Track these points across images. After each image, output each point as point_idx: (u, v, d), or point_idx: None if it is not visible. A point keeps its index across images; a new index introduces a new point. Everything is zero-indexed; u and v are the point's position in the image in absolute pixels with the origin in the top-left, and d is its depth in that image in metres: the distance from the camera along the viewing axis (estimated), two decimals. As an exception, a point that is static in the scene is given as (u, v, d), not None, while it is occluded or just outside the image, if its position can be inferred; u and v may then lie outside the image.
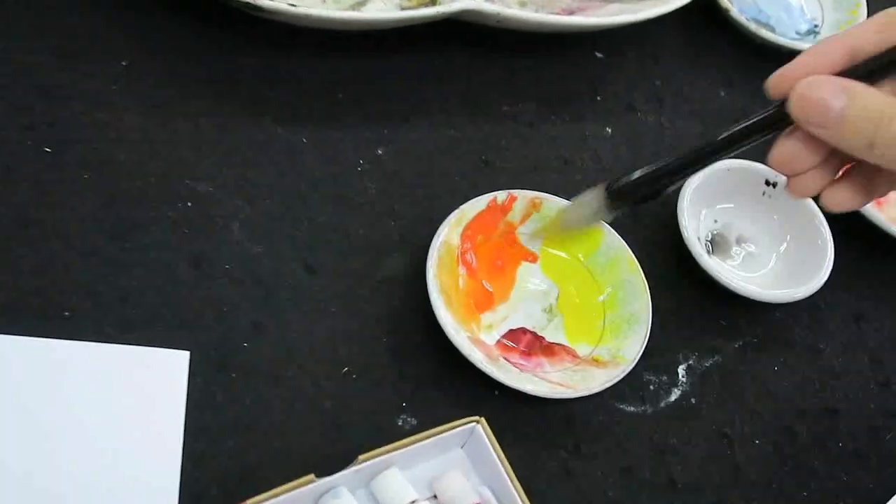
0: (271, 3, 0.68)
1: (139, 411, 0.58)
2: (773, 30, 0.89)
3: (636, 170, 0.64)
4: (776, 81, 0.55)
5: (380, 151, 0.72)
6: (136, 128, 0.68)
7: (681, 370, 0.70)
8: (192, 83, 0.71)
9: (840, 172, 0.57)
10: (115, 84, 0.69)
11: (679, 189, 0.72)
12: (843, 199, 0.58)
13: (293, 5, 0.68)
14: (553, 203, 0.70)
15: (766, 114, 0.57)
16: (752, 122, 0.58)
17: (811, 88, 0.52)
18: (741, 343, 0.73)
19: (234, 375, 0.61)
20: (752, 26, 0.86)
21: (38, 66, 0.68)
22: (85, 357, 0.59)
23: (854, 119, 0.51)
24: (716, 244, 0.75)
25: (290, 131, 0.71)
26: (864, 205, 0.58)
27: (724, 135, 0.59)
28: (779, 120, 0.55)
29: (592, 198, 0.66)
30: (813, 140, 0.54)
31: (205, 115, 0.70)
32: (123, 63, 0.70)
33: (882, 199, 0.81)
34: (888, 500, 0.68)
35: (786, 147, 0.56)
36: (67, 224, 0.62)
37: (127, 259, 0.63)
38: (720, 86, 0.86)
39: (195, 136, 0.69)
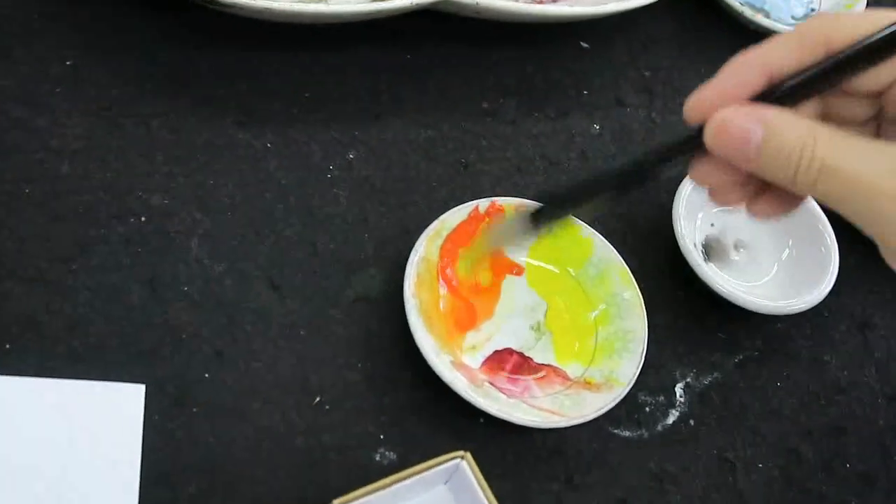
0: (229, -5, 0.62)
1: (89, 453, 0.52)
2: (768, 15, 0.83)
3: (557, 189, 0.58)
4: (691, 106, 0.49)
5: (350, 155, 0.66)
6: (82, 134, 0.62)
7: (678, 389, 0.65)
8: (143, 83, 0.65)
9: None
10: (57, 86, 0.63)
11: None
12: (768, 209, 0.52)
13: (254, -3, 0.62)
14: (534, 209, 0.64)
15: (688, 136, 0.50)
16: (674, 144, 0.51)
17: (726, 122, 0.47)
18: (741, 357, 0.68)
19: (194, 410, 0.55)
20: (747, 11, 0.80)
21: (-30, 67, 0.62)
22: (27, 394, 0.53)
23: (773, 154, 0.46)
24: (712, 250, 0.70)
25: (253, 135, 0.65)
26: (792, 212, 0.53)
27: (648, 156, 0.51)
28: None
29: (515, 219, 0.58)
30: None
31: (158, 117, 0.64)
32: (67, 63, 0.64)
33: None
34: (900, 525, 0.64)
35: (704, 166, 0.50)
36: (5, 244, 0.56)
37: (73, 283, 0.57)
38: (712, 74, 0.80)
39: (147, 141, 0.63)
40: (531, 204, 0.56)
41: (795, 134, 0.47)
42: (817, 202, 0.47)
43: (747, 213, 0.52)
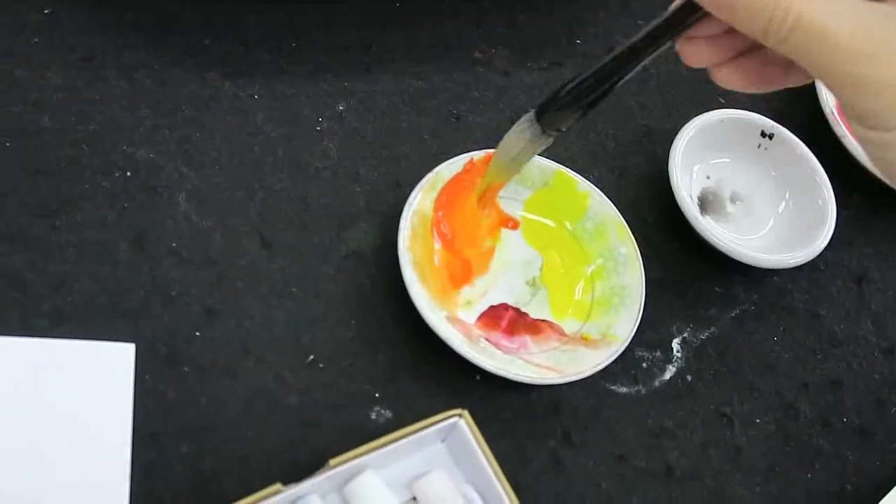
0: (214, -60, 0.60)
1: (79, 415, 0.51)
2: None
3: (560, 88, 0.56)
4: None
5: (340, 107, 0.65)
6: (62, 86, 0.60)
7: (675, 345, 0.64)
8: (125, 33, 0.63)
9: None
10: (35, 36, 0.61)
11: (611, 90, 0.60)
12: (731, 78, 0.54)
13: (239, -56, 0.60)
14: (535, 162, 0.63)
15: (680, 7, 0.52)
16: (669, 15, 0.53)
17: None
18: (738, 312, 0.67)
19: (185, 370, 0.54)
20: (740, -41, 0.79)
21: (-56, 16, 0.59)
22: (13, 354, 0.51)
23: (750, 3, 0.47)
24: (708, 202, 0.69)
25: (239, 86, 0.63)
26: (753, 90, 0.55)
27: (644, 33, 0.54)
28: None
29: (522, 126, 0.58)
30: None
31: (140, 68, 0.62)
32: (46, 11, 0.62)
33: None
34: (895, 478, 0.64)
35: (690, 43, 0.54)
36: (-13, 202, 0.55)
37: (58, 240, 0.55)
38: (706, 25, 0.79)
39: (130, 93, 0.61)
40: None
41: None
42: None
43: (711, 76, 0.54)
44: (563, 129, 0.57)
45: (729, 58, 0.55)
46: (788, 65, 0.55)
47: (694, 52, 0.55)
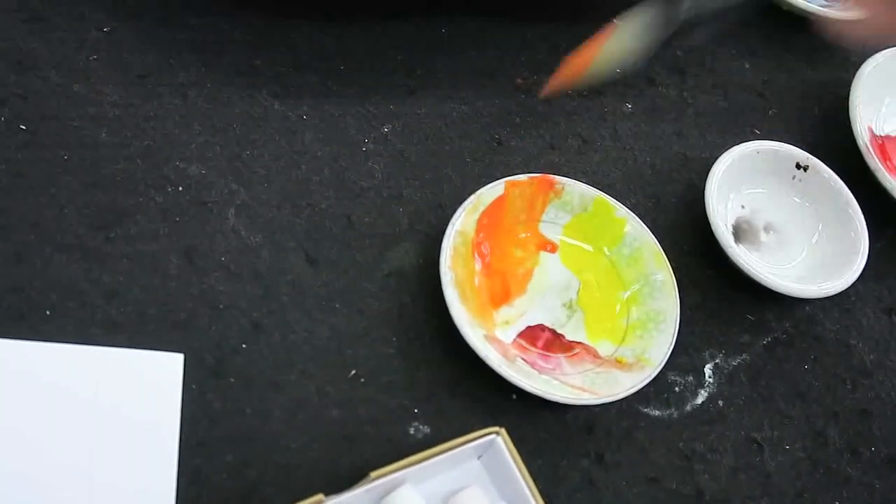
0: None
1: (129, 422, 0.53)
2: (800, -4, 0.83)
3: None
4: None
5: (385, 129, 0.66)
6: (119, 102, 0.62)
7: (707, 370, 0.65)
8: (179, 52, 0.65)
9: None
10: (94, 53, 0.63)
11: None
12: None
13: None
14: (575, 188, 0.65)
15: None
16: None
17: None
18: (770, 339, 0.68)
19: (231, 381, 0.55)
20: (780, -7, 0.80)
21: (7, 33, 0.61)
22: (67, 361, 0.53)
23: None
24: (742, 231, 0.70)
25: (288, 106, 0.65)
26: None
27: None
28: None
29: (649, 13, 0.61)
30: None
31: (193, 86, 0.64)
32: (105, 30, 0.64)
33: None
34: (924, 509, 0.64)
35: None
36: (44, 212, 0.57)
37: (112, 251, 0.57)
38: (744, 56, 0.80)
39: (184, 110, 0.63)
40: None
41: None
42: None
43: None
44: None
45: None
46: None
47: None
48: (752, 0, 0.69)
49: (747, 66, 0.80)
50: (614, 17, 0.75)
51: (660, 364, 0.60)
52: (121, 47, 0.64)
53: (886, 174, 0.73)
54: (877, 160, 0.73)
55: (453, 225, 0.60)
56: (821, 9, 0.81)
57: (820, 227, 0.71)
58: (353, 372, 0.58)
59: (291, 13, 0.68)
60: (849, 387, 0.68)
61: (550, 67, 0.73)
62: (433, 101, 0.69)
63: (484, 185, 0.63)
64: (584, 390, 0.59)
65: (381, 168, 0.65)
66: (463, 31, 0.72)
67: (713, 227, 0.66)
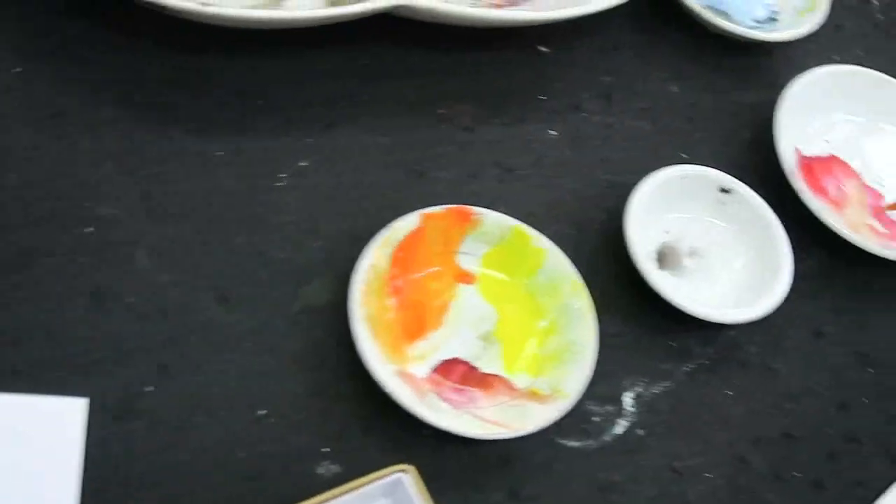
0: (179, 2, 0.61)
1: (27, 470, 0.52)
2: (728, 17, 0.83)
3: None
4: None
5: (302, 163, 0.66)
6: (30, 143, 0.62)
7: (627, 399, 0.65)
8: (92, 91, 0.65)
9: None
10: (6, 93, 0.63)
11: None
12: None
13: (205, 4, 0.62)
14: (492, 218, 0.65)
15: None
16: None
17: None
18: (692, 366, 0.68)
19: (136, 425, 0.55)
20: (707, 14, 0.80)
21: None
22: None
23: None
24: (665, 257, 0.70)
25: (203, 142, 0.65)
26: None
27: None
28: None
29: None
30: None
31: (106, 125, 0.64)
32: (15, 70, 0.63)
33: (841, 201, 0.76)
34: (847, 534, 0.64)
35: None
36: (-52, 257, 0.57)
37: (16, 295, 0.57)
38: (672, 79, 0.80)
39: (96, 149, 0.63)
40: None
41: None
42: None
43: None
44: None
45: None
46: None
47: None
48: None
49: (675, 89, 0.80)
50: (538, 45, 0.75)
51: (576, 396, 0.60)
52: (32, 87, 0.63)
53: (812, 196, 0.73)
54: (802, 182, 0.73)
55: (364, 259, 0.60)
56: (749, 31, 0.81)
57: (744, 251, 0.71)
58: (262, 412, 0.58)
59: (206, 48, 0.68)
60: (772, 411, 0.68)
61: (473, 96, 0.73)
62: (352, 133, 0.69)
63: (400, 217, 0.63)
64: (498, 424, 0.59)
65: (298, 202, 0.65)
66: (383, 62, 0.72)
67: (632, 254, 0.66)
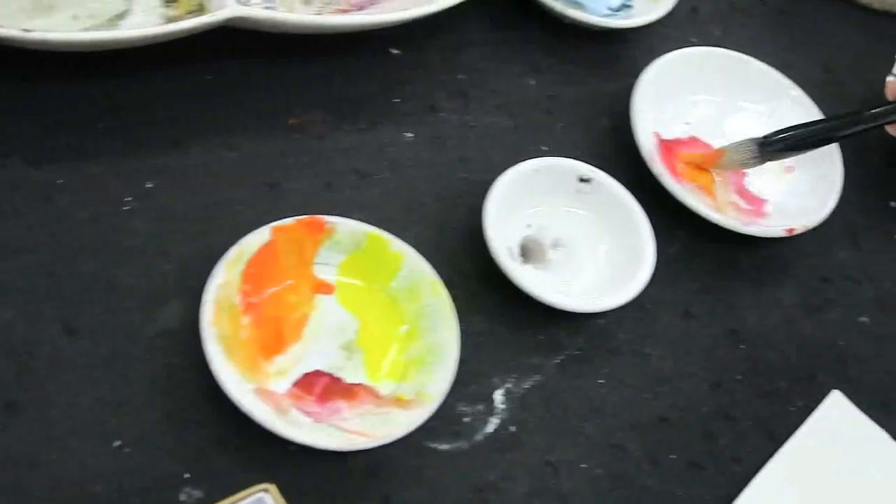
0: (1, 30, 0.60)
1: None
2: (583, 7, 0.83)
3: (785, 129, 0.73)
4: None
5: (149, 185, 0.65)
6: None
7: (498, 396, 0.65)
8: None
9: None
10: None
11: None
12: None
13: (27, 30, 0.60)
14: (347, 226, 0.64)
15: None
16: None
17: None
18: (562, 358, 0.67)
19: (-17, 467, 0.53)
20: (559, 6, 0.80)
21: None
22: None
23: None
24: (529, 250, 0.70)
25: (45, 171, 0.63)
26: None
27: (879, 110, 0.73)
28: None
29: (746, 148, 0.74)
30: None
31: (-60, 160, 0.62)
32: None
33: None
34: (726, 511, 0.64)
35: None
36: None
37: None
38: (529, 74, 0.80)
39: (-71, 187, 0.61)
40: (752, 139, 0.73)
41: None
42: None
43: None
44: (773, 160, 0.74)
45: None
46: None
47: None
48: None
49: (532, 82, 0.80)
50: (389, 47, 0.74)
51: (439, 399, 0.60)
52: None
53: (671, 179, 0.73)
54: (661, 166, 0.73)
55: (214, 279, 0.59)
56: (602, 20, 0.81)
57: (608, 239, 0.71)
58: (118, 442, 0.56)
59: (40, 74, 0.66)
60: (646, 396, 0.68)
61: (325, 104, 0.72)
62: (200, 150, 0.67)
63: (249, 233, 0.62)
64: (361, 434, 0.58)
65: (146, 225, 0.63)
66: (228, 76, 0.71)
67: (492, 251, 0.66)
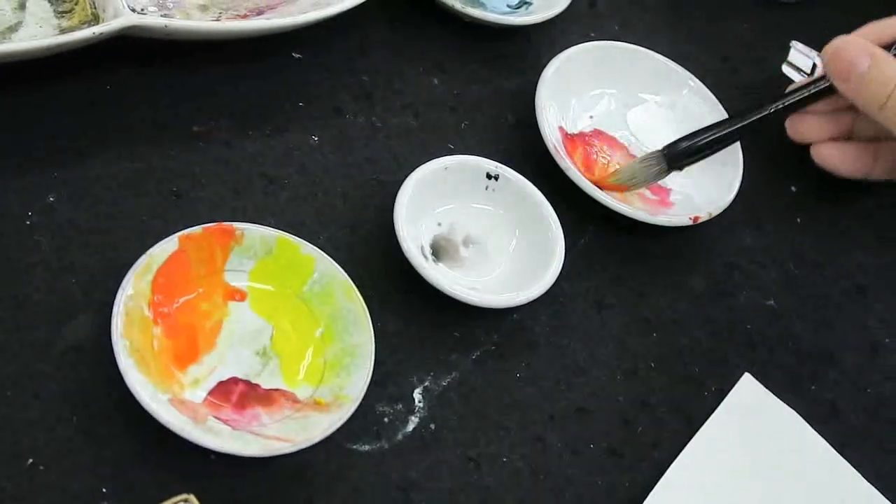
0: None
1: None
2: (483, 6, 0.83)
3: (687, 137, 0.74)
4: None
5: (51, 198, 0.64)
6: None
7: (416, 395, 0.65)
8: None
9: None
10: None
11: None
12: (830, 155, 0.76)
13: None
14: (256, 232, 0.63)
15: (813, 89, 0.74)
16: (798, 97, 0.74)
17: (843, 47, 0.68)
18: (479, 353, 0.68)
19: None
20: (458, 5, 0.80)
21: None
22: None
23: (872, 80, 0.66)
24: (441, 249, 0.70)
25: (-62, 190, 0.61)
26: (845, 173, 0.78)
27: (773, 107, 0.75)
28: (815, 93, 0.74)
29: (650, 162, 0.74)
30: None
31: None
32: None
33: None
34: (645, 497, 0.65)
35: (800, 120, 0.77)
36: None
37: None
38: (433, 73, 0.80)
39: None
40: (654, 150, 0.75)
41: (892, 68, 0.66)
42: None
43: (813, 153, 0.78)
44: (682, 169, 0.75)
45: (828, 138, 0.77)
46: (877, 154, 0.77)
47: (803, 126, 0.78)
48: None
49: (436, 81, 0.80)
50: (292, 51, 0.74)
51: (356, 399, 0.59)
52: None
53: (577, 172, 0.74)
54: (567, 160, 0.74)
55: (123, 290, 0.58)
56: (502, 17, 0.82)
57: (517, 233, 0.72)
58: (31, 461, 0.55)
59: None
60: (563, 387, 0.69)
61: (230, 110, 0.71)
62: (103, 161, 0.66)
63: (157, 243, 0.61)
64: (280, 439, 0.57)
65: (49, 240, 0.62)
66: (129, 84, 0.70)
67: (405, 250, 0.66)
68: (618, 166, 0.79)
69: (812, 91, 0.74)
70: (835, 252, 0.82)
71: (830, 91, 0.73)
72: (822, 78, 0.74)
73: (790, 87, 0.79)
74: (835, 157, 0.77)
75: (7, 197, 0.63)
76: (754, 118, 0.75)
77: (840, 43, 0.70)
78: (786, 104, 0.75)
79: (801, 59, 0.81)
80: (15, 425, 0.56)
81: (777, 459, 0.70)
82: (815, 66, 0.80)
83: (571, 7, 0.84)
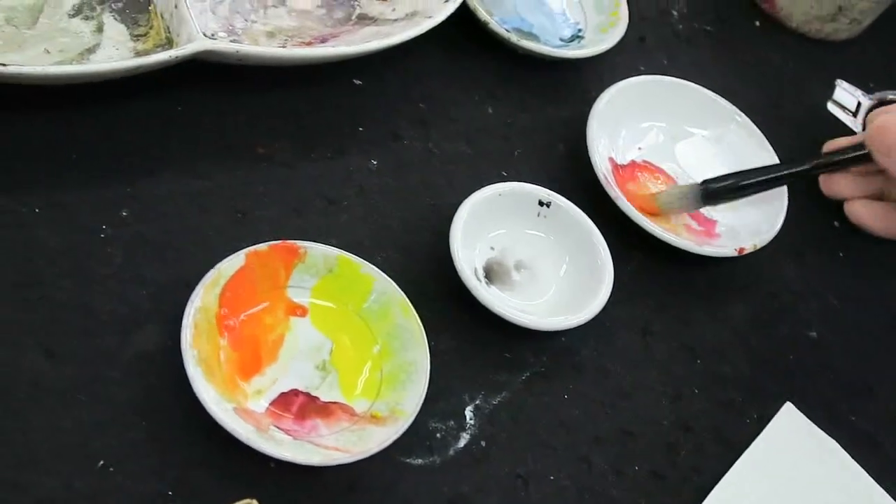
0: (-24, 65, 0.61)
1: None
2: (536, 39, 0.86)
3: (724, 177, 0.78)
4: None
5: (123, 213, 0.66)
6: None
7: (468, 412, 0.67)
8: None
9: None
10: None
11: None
12: (862, 213, 0.82)
13: (3, 65, 0.61)
14: (318, 250, 0.65)
15: (851, 154, 0.80)
16: (837, 158, 0.81)
17: (887, 126, 0.74)
18: (528, 375, 0.70)
19: (-32, 490, 0.54)
20: (514, 37, 0.83)
21: None
22: None
23: None
24: (493, 272, 0.72)
25: (19, 202, 0.64)
26: (876, 230, 0.83)
27: (812, 164, 0.80)
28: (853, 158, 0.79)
29: (687, 191, 0.79)
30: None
31: (-85, 192, 0.63)
32: None
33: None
34: (688, 518, 0.67)
35: (836, 180, 0.83)
36: None
37: None
38: (486, 101, 0.83)
39: None
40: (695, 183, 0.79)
41: None
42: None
43: (847, 210, 0.84)
44: (715, 205, 0.80)
45: (860, 196, 0.83)
46: None
47: (836, 184, 0.83)
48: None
49: (490, 110, 0.82)
50: (352, 78, 0.77)
51: (412, 414, 0.61)
52: None
53: (626, 202, 0.76)
54: (616, 189, 0.76)
55: (192, 302, 0.61)
56: (555, 50, 0.84)
57: (567, 259, 0.74)
58: (101, 462, 0.57)
59: (13, 107, 0.67)
60: (608, 410, 0.70)
61: (292, 133, 0.74)
62: (171, 179, 0.69)
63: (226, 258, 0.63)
64: (338, 450, 0.59)
65: (121, 252, 0.65)
66: (197, 104, 0.72)
67: (459, 272, 0.68)
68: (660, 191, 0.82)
69: (849, 156, 0.80)
70: (875, 287, 0.84)
71: (867, 158, 0.78)
72: (861, 145, 0.78)
73: (828, 148, 0.84)
74: (867, 216, 0.83)
75: (83, 210, 0.65)
76: (791, 171, 0.79)
77: (882, 121, 0.75)
78: (824, 163, 0.81)
79: (846, 98, 0.83)
80: (87, 428, 0.58)
81: (817, 488, 0.71)
82: (859, 104, 0.82)
83: (621, 41, 0.87)
